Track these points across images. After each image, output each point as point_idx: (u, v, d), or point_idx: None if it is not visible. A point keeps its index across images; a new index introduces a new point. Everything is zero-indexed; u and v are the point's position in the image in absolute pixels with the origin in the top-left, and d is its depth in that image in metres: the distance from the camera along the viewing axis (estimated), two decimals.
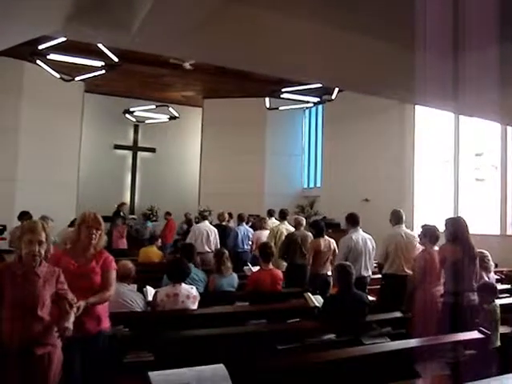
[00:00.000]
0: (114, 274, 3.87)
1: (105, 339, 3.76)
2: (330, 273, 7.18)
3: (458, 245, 5.08)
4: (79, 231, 3.81)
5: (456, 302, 4.94)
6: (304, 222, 8.40)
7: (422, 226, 5.98)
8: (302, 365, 3.62)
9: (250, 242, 9.98)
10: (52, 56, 9.63)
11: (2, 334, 3.10)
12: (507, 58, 4.58)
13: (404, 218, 6.65)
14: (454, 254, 5.04)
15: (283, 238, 8.29)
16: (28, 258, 3.20)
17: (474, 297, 5.01)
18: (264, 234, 9.36)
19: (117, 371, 3.77)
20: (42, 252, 3.23)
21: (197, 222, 11.37)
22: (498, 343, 4.56)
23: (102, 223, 3.88)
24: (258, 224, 10.38)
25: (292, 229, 8.48)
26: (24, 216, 8.02)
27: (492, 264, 6.32)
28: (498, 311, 4.74)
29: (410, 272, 6.06)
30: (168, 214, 14.53)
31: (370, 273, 7.03)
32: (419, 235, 6.00)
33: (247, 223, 11.11)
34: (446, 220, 5.36)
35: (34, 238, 3.22)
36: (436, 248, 5.58)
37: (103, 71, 10.65)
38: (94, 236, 3.77)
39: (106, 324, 3.80)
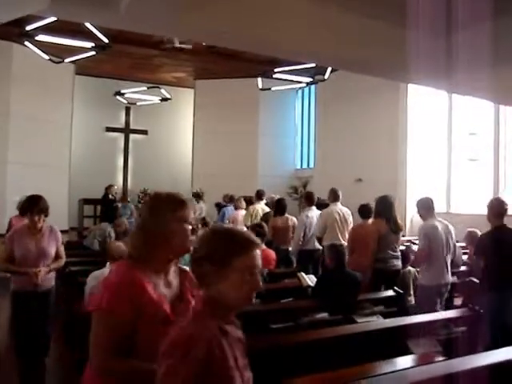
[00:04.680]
0: None
1: None
2: (290, 248, 7.77)
3: (384, 219, 5.88)
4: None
5: (382, 267, 5.81)
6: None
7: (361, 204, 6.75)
8: (295, 343, 3.64)
9: (227, 221, 10.05)
10: (40, 37, 9.50)
11: None
12: (500, 36, 4.56)
13: (340, 196, 7.48)
14: (380, 228, 5.85)
15: (258, 217, 8.69)
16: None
17: (398, 262, 5.95)
18: (240, 214, 9.57)
19: None
20: None
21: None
22: (413, 301, 5.57)
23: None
24: (235, 204, 10.46)
25: (267, 209, 8.92)
26: (33, 206, 4.36)
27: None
28: (410, 274, 5.85)
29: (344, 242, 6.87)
30: (147, 195, 14.54)
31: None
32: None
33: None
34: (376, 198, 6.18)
35: None
36: (368, 222, 6.36)
37: (93, 53, 10.52)
38: (189, 235, 2.10)
39: None
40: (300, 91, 17.87)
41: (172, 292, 2.07)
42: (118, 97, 16.25)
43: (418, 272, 5.85)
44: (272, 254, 6.44)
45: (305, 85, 14.61)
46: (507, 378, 3.03)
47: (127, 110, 17.94)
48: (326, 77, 12.52)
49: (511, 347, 3.31)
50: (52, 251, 4.44)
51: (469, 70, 4.93)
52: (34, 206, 4.34)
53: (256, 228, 6.49)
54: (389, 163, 12.94)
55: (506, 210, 5.15)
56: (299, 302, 5.12)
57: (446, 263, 5.39)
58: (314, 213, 7.69)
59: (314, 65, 11.20)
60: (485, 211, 5.20)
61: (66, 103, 15.04)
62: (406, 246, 6.47)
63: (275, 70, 12.38)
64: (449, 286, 5.44)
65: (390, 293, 5.30)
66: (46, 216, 4.41)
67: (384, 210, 5.92)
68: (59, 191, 13.65)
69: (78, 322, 4.83)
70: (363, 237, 6.08)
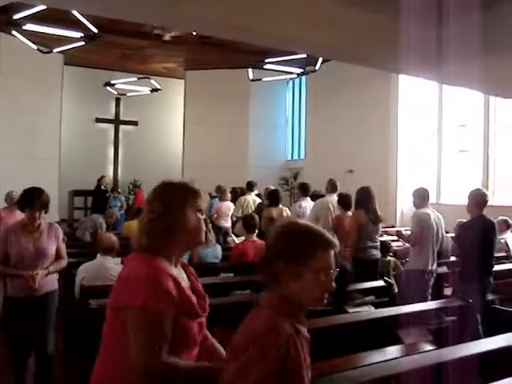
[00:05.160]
0: None
1: None
2: None
3: (365, 210, 5.94)
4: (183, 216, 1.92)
5: (361, 256, 5.88)
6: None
7: (339, 194, 6.87)
8: None
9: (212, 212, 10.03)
10: (28, 26, 9.38)
11: None
12: (489, 27, 4.57)
13: (338, 187, 7.49)
14: (360, 218, 5.92)
15: (249, 208, 8.71)
16: None
17: (377, 252, 6.02)
18: (224, 205, 9.58)
19: None
20: None
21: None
22: (395, 291, 5.56)
23: None
24: (219, 195, 10.37)
25: (258, 200, 8.95)
26: (34, 200, 3.82)
27: None
28: (390, 264, 6.12)
29: None
30: (136, 187, 14.45)
31: None
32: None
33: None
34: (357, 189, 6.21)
35: None
36: (349, 213, 6.46)
37: (82, 43, 10.40)
38: (203, 226, 2.00)
39: None
40: (291, 82, 17.83)
41: (187, 285, 1.96)
42: (107, 87, 16.10)
43: (402, 263, 6.15)
44: (263, 244, 6.40)
45: (296, 75, 14.58)
46: (497, 367, 3.06)
47: (117, 100, 17.81)
48: (317, 67, 12.50)
49: (500, 336, 3.34)
50: (52, 251, 3.95)
51: (459, 60, 4.95)
52: (34, 200, 3.79)
53: (248, 220, 6.48)
54: (380, 154, 12.96)
55: (486, 201, 5.23)
56: None
57: (434, 251, 5.56)
58: (307, 203, 7.69)
59: (304, 55, 11.16)
60: None
61: (56, 94, 14.88)
62: (397, 231, 6.57)
63: (266, 60, 12.32)
64: (434, 274, 5.61)
65: (381, 283, 5.33)
66: (46, 212, 3.90)
67: (364, 201, 6.00)
68: (49, 183, 13.44)
69: (76, 318, 4.81)
70: (343, 227, 6.24)
